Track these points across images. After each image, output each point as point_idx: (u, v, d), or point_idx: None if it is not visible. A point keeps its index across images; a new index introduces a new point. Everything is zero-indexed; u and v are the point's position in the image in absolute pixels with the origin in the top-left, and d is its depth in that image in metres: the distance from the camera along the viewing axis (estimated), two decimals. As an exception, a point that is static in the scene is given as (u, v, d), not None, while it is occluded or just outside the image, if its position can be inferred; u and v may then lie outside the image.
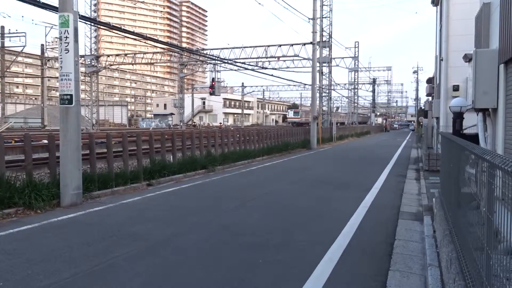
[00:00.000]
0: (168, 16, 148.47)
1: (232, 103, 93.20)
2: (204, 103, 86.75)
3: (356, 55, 52.93)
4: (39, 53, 47.19)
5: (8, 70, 43.97)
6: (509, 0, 5.15)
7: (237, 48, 39.62)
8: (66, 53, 8.17)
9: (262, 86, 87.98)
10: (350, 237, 5.97)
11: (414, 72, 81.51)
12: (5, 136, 15.21)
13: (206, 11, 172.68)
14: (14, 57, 43.83)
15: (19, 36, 36.77)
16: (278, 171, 14.61)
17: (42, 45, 44.63)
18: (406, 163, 17.46)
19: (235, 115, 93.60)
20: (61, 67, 8.22)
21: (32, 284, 4.20)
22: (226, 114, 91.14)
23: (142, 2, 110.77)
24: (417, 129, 58.06)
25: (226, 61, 36.26)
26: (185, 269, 4.68)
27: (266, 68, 37.44)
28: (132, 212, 7.69)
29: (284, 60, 39.87)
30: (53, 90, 77.43)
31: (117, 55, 46.95)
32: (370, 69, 72.70)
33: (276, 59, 39.05)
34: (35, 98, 79.34)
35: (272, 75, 34.79)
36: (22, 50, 38.21)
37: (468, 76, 7.32)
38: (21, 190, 7.72)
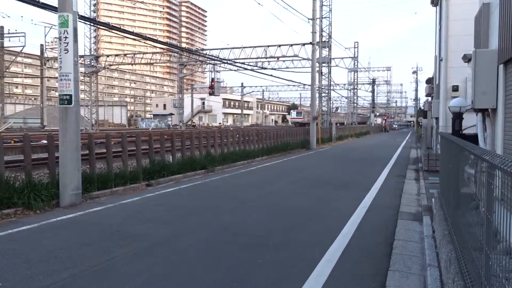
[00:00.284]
0: (168, 16, 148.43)
1: (232, 103, 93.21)
2: (203, 103, 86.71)
3: (356, 55, 52.94)
4: (38, 53, 47.17)
5: (7, 70, 43.94)
6: (508, 0, 5.15)
7: (236, 48, 39.62)
8: (65, 53, 8.17)
9: (261, 86, 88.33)
10: (349, 237, 5.97)
11: (413, 73, 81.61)
12: (4, 136, 15.21)
13: (206, 11, 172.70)
14: (14, 57, 43.81)
15: (19, 36, 36.77)
16: (278, 171, 14.61)
17: (42, 45, 44.61)
18: (405, 163, 17.47)
19: (235, 115, 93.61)
20: (61, 67, 8.22)
21: (31, 284, 4.19)
22: (225, 114, 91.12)
23: (142, 2, 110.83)
24: (416, 129, 58.07)
25: (225, 61, 36.26)
26: (185, 269, 4.68)
27: (265, 68, 37.46)
28: (131, 212, 7.68)
29: (284, 61, 39.88)
30: (53, 90, 77.41)
31: (116, 55, 46.92)
32: (370, 69, 72.82)
33: (276, 59, 39.06)
34: (35, 98, 79.27)
35: (271, 75, 34.82)
36: (22, 50, 38.16)
37: (467, 76, 7.32)
38: (20, 190, 7.72)
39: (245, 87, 79.55)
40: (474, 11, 8.47)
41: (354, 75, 59.42)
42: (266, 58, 39.11)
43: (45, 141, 10.21)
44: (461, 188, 4.12)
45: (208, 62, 44.13)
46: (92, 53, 45.62)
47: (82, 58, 41.72)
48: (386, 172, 14.15)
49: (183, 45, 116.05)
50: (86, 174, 9.32)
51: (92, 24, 37.62)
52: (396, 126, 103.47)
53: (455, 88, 12.13)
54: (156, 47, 39.75)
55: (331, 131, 34.64)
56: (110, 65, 47.68)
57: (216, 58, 36.64)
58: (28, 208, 7.49)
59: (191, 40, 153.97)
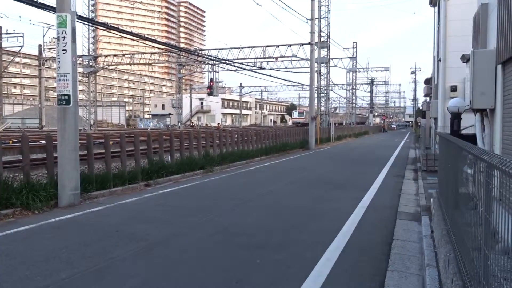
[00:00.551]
0: (166, 17, 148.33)
1: (230, 103, 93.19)
2: (202, 103, 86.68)
3: (354, 56, 53.00)
4: (36, 53, 47.06)
5: (5, 71, 43.86)
6: (507, 0, 5.16)
7: (235, 48, 39.62)
8: (63, 53, 8.16)
9: (260, 86, 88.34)
10: (348, 237, 5.97)
11: (412, 73, 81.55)
12: (2, 136, 15.17)
13: (204, 12, 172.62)
14: (12, 58, 43.74)
15: (17, 37, 36.66)
16: (277, 171, 14.61)
17: (40, 45, 44.55)
18: (404, 163, 17.48)
19: (233, 116, 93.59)
20: (59, 67, 8.21)
21: (30, 285, 4.19)
22: (224, 114, 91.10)
23: (140, 3, 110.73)
24: (415, 129, 58.15)
25: (224, 61, 36.26)
26: (184, 269, 4.68)
27: (264, 68, 37.48)
28: (130, 212, 7.68)
29: (282, 61, 39.91)
30: (51, 90, 77.33)
31: (115, 55, 46.89)
32: (368, 70, 72.88)
33: (274, 59, 39.07)
34: (33, 99, 79.14)
35: (270, 76, 34.85)
36: (20, 50, 38.11)
37: (465, 77, 7.34)
38: (18, 190, 7.70)
39: (243, 87, 79.60)
40: (472, 12, 8.49)
41: (352, 75, 59.51)
42: (264, 58, 39.13)
43: (43, 141, 10.19)
44: (460, 188, 4.13)
45: (206, 62, 44.13)
46: (90, 53, 45.58)
47: (80, 58, 41.69)
48: (385, 172, 14.16)
49: (182, 45, 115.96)
50: (84, 175, 9.31)
51: (90, 24, 37.56)
52: (395, 126, 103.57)
53: (454, 88, 12.16)
54: (155, 47, 39.76)
55: (330, 131, 34.66)
56: (109, 65, 47.63)
57: (214, 58, 36.65)
58: (27, 209, 7.48)
59: (189, 40, 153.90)
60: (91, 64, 44.33)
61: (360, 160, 19.19)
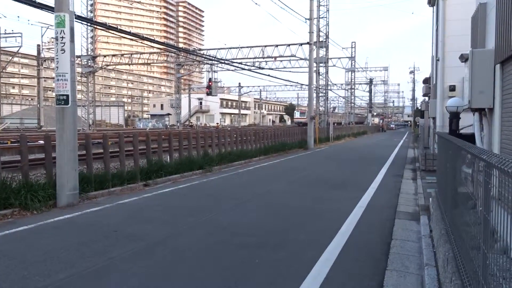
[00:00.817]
0: (165, 17, 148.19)
1: (229, 103, 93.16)
2: (201, 103, 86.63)
3: (353, 55, 52.96)
4: (35, 53, 46.98)
5: (4, 71, 43.79)
6: (505, 0, 5.17)
7: (234, 48, 39.61)
8: (62, 53, 8.14)
9: (259, 86, 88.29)
10: (347, 237, 5.97)
11: (410, 73, 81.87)
12: (1, 136, 15.15)
13: (203, 11, 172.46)
14: (10, 58, 43.68)
15: (15, 37, 36.64)
16: (275, 171, 14.61)
17: (38, 45, 44.45)
18: (402, 163, 17.50)
19: (232, 115, 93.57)
20: (57, 67, 8.19)
21: (28, 285, 4.18)
22: (223, 114, 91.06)
23: (139, 2, 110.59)
24: (413, 129, 58.20)
25: (223, 61, 36.25)
26: (182, 269, 4.68)
27: (263, 68, 37.43)
28: (129, 212, 7.67)
29: (281, 60, 39.87)
30: (50, 90, 77.22)
31: (113, 55, 46.81)
32: (367, 69, 72.91)
33: (273, 59, 39.05)
34: (31, 99, 79.02)
35: (269, 75, 34.78)
36: (18, 50, 38.09)
37: (464, 76, 7.35)
38: (17, 191, 7.69)
39: (242, 87, 79.58)
40: (470, 11, 8.50)
41: (351, 75, 59.45)
42: (263, 58, 39.11)
43: (42, 142, 10.18)
44: (459, 187, 4.13)
45: (205, 62, 44.11)
46: (89, 53, 45.49)
47: (79, 58, 41.63)
48: (384, 171, 14.17)
49: (180, 45, 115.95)
50: (83, 175, 9.30)
51: (89, 24, 37.50)
52: (394, 126, 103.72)
53: (452, 88, 12.17)
54: (153, 47, 39.72)
55: (329, 131, 34.67)
56: (107, 65, 47.55)
57: (213, 58, 36.61)
58: (25, 209, 7.47)
59: (188, 40, 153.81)
60: (89, 64, 44.25)
61: (359, 159, 19.20)
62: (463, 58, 7.08)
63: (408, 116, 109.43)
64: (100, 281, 4.28)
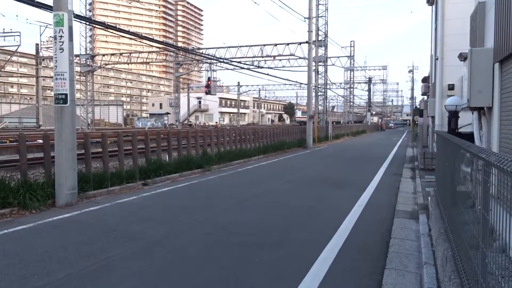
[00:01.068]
0: (164, 16, 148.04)
1: (228, 102, 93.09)
2: (200, 102, 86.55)
3: (352, 54, 52.97)
4: (34, 52, 46.90)
5: (2, 70, 43.73)
6: (503, -1, 5.17)
7: (233, 47, 39.55)
8: (60, 52, 8.13)
9: (258, 85, 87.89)
10: (346, 236, 5.97)
11: (409, 71, 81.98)
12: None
13: (202, 10, 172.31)
14: (9, 57, 43.57)
15: (14, 36, 36.50)
16: (274, 170, 14.61)
17: (37, 44, 44.35)
18: (401, 162, 17.51)
19: (231, 115, 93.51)
20: (56, 66, 8.18)
21: (27, 284, 4.17)
22: (222, 113, 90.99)
23: (138, 1, 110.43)
24: (412, 128, 58.24)
25: (222, 60, 36.20)
26: (181, 268, 4.67)
27: (262, 67, 37.42)
28: (127, 211, 7.66)
29: (280, 59, 39.81)
30: (48, 89, 77.05)
31: (112, 54, 46.71)
32: (366, 68, 72.85)
33: (272, 58, 38.99)
34: (30, 98, 78.89)
35: (268, 74, 34.79)
36: (17, 49, 37.96)
37: (463, 75, 7.35)
38: (15, 190, 7.68)
39: (241, 86, 79.52)
40: (469, 10, 8.50)
41: (350, 74, 59.47)
42: (262, 57, 39.03)
43: (40, 141, 10.17)
44: (457, 186, 4.13)
45: (204, 61, 44.05)
46: (87, 52, 45.42)
47: (77, 57, 41.56)
48: (383, 170, 14.18)
49: (179, 44, 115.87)
50: (82, 174, 9.29)
51: (87, 23, 37.44)
52: (392, 125, 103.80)
53: (451, 87, 12.17)
54: (152, 46, 39.64)
55: (328, 130, 34.68)
56: (106, 64, 47.48)
57: (212, 57, 36.57)
58: (24, 208, 7.46)
59: (187, 39, 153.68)
60: (88, 63, 44.17)
61: (358, 158, 19.21)
62: (462, 57, 7.08)
63: (407, 115, 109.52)
64: (99, 281, 4.28)
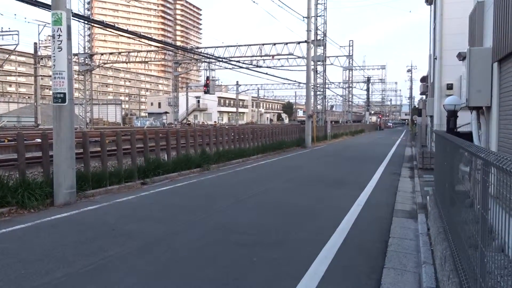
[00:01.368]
0: (162, 15, 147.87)
1: (227, 101, 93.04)
2: (198, 101, 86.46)
3: (351, 54, 52.97)
4: (32, 51, 46.82)
5: (1, 69, 43.62)
6: (502, -2, 5.17)
7: (231, 46, 39.51)
8: (59, 51, 8.11)
9: (256, 84, 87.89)
10: (344, 235, 5.97)
11: (408, 71, 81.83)
12: (-3, 135, 15.06)
13: (201, 9, 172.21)
14: (7, 56, 43.49)
15: (12, 35, 36.45)
16: (273, 169, 14.61)
17: (35, 43, 44.29)
18: (400, 161, 17.52)
19: (230, 114, 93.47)
20: (54, 65, 8.16)
21: (25, 284, 4.16)
22: (220, 112, 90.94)
23: (136, 0, 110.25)
24: (411, 127, 58.31)
25: (220, 59, 36.18)
26: (181, 267, 4.67)
27: (261, 66, 37.44)
28: (126, 211, 7.65)
29: (279, 59, 39.77)
30: (47, 88, 76.90)
31: (111, 53, 46.64)
32: (364, 68, 72.92)
33: (271, 57, 38.97)
34: (28, 97, 78.77)
35: (266, 74, 34.88)
36: (15, 48, 37.89)
37: (462, 75, 7.36)
38: (14, 189, 7.66)
39: (240, 85, 79.45)
40: (468, 10, 8.50)
41: (349, 73, 59.51)
42: (261, 56, 39.00)
43: (39, 140, 10.15)
44: (456, 185, 4.14)
45: (203, 60, 43.99)
46: (86, 51, 45.31)
47: (76, 56, 41.45)
48: (381, 170, 14.19)
49: (178, 43, 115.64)
50: (80, 173, 9.27)
51: (86, 22, 37.38)
52: (391, 124, 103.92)
53: (450, 86, 12.17)
54: (151, 45, 39.57)
55: (326, 129, 34.70)
56: (105, 63, 47.43)
57: (211, 56, 36.55)
58: (22, 207, 7.45)
59: (186, 38, 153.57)
60: (87, 62, 44.09)
61: (357, 158, 19.22)
62: (461, 57, 7.09)
63: (406, 114, 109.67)
64: (97, 280, 4.27)
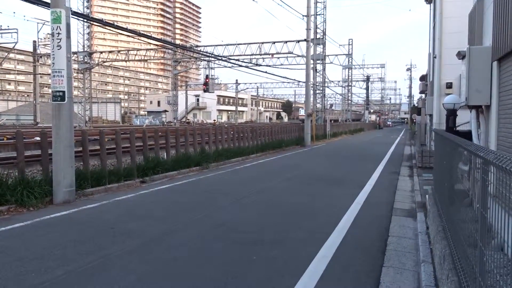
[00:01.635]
0: (162, 13, 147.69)
1: (226, 100, 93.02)
2: (198, 100, 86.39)
3: (350, 53, 52.93)
4: (31, 49, 46.76)
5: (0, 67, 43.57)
6: (502, -3, 5.16)
7: (231, 45, 39.49)
8: (58, 49, 8.10)
9: (256, 83, 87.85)
10: (344, 234, 5.98)
11: (407, 70, 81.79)
12: (-3, 133, 15.05)
13: (200, 8, 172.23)
14: (6, 54, 43.42)
15: (11, 33, 36.39)
16: (272, 168, 14.61)
17: (34, 41, 44.24)
18: (399, 160, 17.53)
19: (229, 112, 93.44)
20: (53, 63, 8.15)
21: (25, 282, 4.16)
22: (220, 111, 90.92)
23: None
24: (410, 126, 58.34)
25: (220, 58, 36.18)
26: (180, 265, 4.67)
27: (260, 65, 37.44)
28: (125, 209, 7.65)
29: (278, 57, 39.79)
30: (46, 87, 76.87)
31: (110, 51, 46.61)
32: (364, 67, 72.92)
33: (270, 56, 38.97)
34: (28, 95, 78.67)
35: (266, 72, 34.90)
36: (14, 46, 37.84)
37: (461, 74, 7.35)
38: (13, 187, 7.65)
39: (239, 84, 79.39)
40: (468, 8, 8.50)
41: (348, 72, 59.52)
42: (260, 55, 39.01)
43: (38, 138, 10.14)
44: (455, 184, 4.14)
45: (202, 58, 43.96)
46: (85, 49, 45.25)
47: (75, 55, 41.40)
48: (380, 169, 14.20)
49: (177, 41, 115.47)
50: (79, 171, 9.27)
51: (85, 20, 37.29)
52: (390, 123, 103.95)
53: (449, 85, 12.17)
54: (150, 43, 39.58)
55: (326, 128, 34.71)
56: (104, 62, 47.40)
57: (210, 55, 36.53)
58: (21, 205, 7.44)
59: (185, 36, 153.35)
60: (86, 60, 44.04)
61: (356, 156, 19.23)
62: (460, 56, 7.08)
63: (405, 113, 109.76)
64: (97, 278, 4.27)
